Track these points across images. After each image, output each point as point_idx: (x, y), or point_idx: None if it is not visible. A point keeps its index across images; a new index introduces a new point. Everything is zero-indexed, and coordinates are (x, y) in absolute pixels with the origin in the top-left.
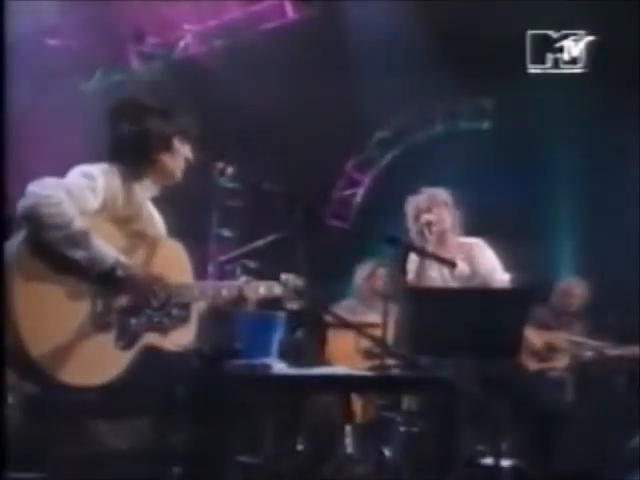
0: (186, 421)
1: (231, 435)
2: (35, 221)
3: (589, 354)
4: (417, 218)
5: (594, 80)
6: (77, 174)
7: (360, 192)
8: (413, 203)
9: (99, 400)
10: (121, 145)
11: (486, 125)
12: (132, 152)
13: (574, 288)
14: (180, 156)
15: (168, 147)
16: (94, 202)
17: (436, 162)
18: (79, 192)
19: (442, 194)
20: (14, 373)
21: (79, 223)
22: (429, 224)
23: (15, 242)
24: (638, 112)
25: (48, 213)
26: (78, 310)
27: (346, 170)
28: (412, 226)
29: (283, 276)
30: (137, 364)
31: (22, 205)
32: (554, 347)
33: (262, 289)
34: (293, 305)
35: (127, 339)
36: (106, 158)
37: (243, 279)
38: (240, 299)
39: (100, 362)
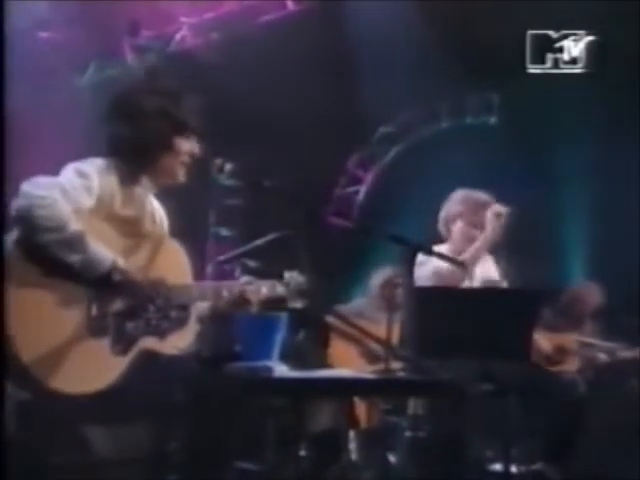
0: (184, 427)
1: (231, 441)
2: (29, 223)
3: (601, 356)
4: (453, 220)
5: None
6: (71, 172)
7: (363, 190)
8: (468, 200)
9: (94, 407)
10: (118, 144)
11: (493, 121)
12: (130, 152)
13: (587, 295)
14: (183, 155)
15: (169, 147)
16: (89, 201)
17: (442, 159)
18: (74, 192)
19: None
20: (6, 380)
21: (74, 225)
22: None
23: (7, 244)
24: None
25: (42, 215)
26: (72, 315)
27: (348, 167)
28: (446, 221)
29: (286, 274)
30: (134, 369)
31: (16, 206)
32: (564, 350)
33: (264, 289)
34: (297, 304)
35: (123, 344)
36: (103, 155)
37: (244, 279)
38: (242, 301)
39: (95, 368)
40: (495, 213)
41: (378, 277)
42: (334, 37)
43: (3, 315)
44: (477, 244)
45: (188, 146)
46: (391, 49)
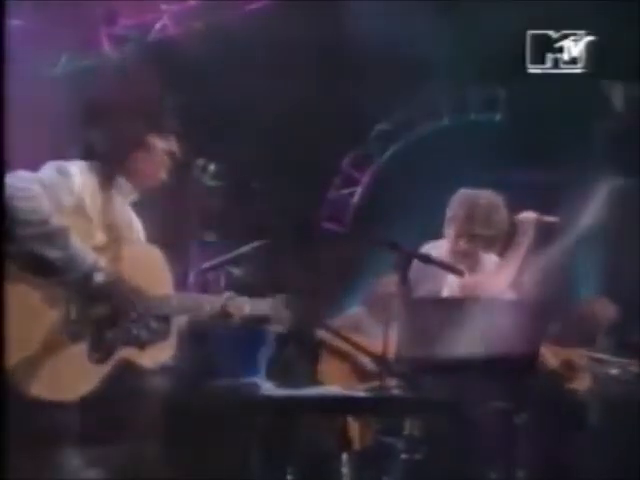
0: (164, 447)
1: (213, 462)
2: (9, 214)
3: (612, 372)
4: (449, 223)
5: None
6: (52, 170)
7: (358, 191)
8: (466, 203)
9: (66, 422)
10: (92, 146)
11: (498, 117)
12: (104, 153)
13: (599, 310)
14: (159, 153)
15: (141, 145)
16: (70, 200)
17: (442, 158)
18: (55, 188)
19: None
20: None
21: (57, 220)
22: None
23: None
24: None
25: (24, 207)
26: (49, 317)
27: (343, 167)
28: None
29: (271, 297)
30: (112, 380)
31: None
32: (573, 365)
33: (248, 306)
34: (281, 327)
35: (102, 352)
36: (78, 156)
37: (227, 294)
38: (224, 315)
39: (71, 375)
40: (526, 219)
41: (386, 285)
42: (327, 27)
43: (3, 313)
44: (518, 252)
45: (164, 144)
46: (387, 41)
